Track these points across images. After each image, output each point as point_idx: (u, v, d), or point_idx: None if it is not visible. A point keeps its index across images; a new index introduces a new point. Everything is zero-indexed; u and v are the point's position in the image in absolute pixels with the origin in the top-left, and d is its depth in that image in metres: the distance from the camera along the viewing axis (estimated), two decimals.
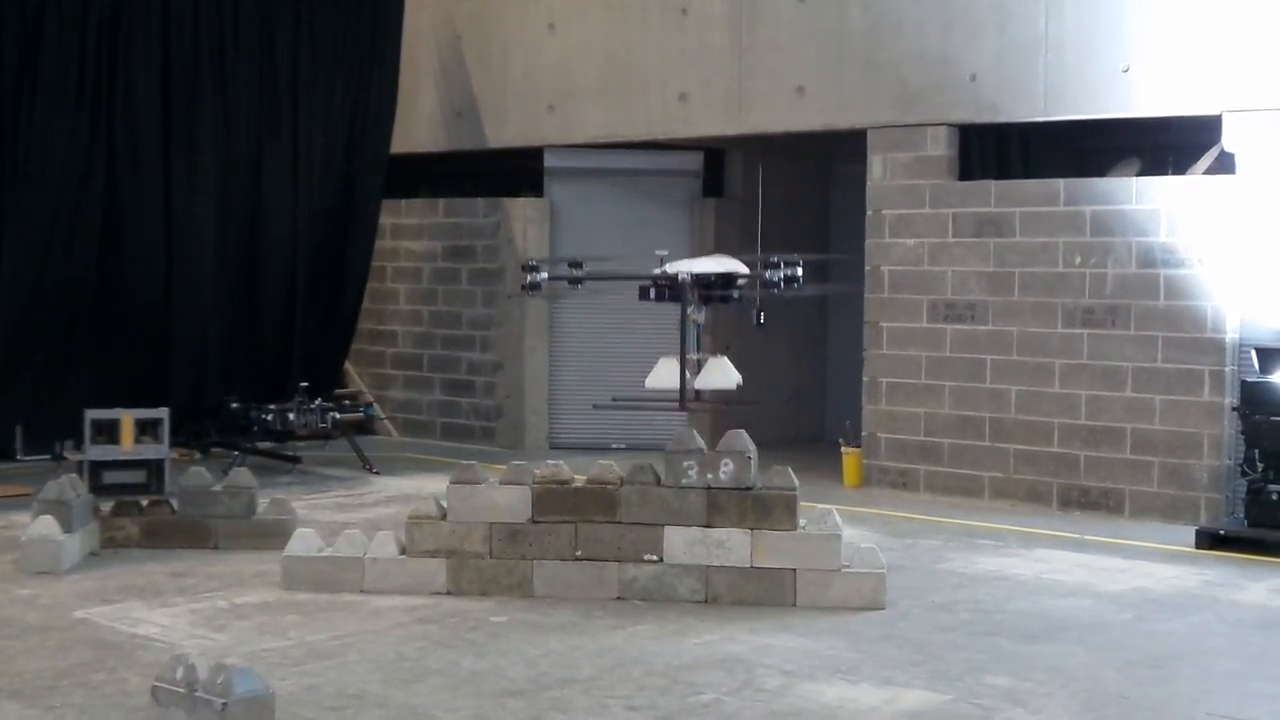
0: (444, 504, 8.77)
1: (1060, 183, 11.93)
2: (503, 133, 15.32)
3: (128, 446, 10.89)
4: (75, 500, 9.59)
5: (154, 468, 10.93)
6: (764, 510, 8.50)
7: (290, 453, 13.72)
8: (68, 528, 9.39)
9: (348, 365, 16.23)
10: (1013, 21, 12.06)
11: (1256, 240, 11.02)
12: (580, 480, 8.77)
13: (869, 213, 12.87)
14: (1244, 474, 10.68)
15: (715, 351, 10.08)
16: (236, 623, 8.07)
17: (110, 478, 10.77)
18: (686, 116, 13.98)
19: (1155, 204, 11.43)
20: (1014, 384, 12.06)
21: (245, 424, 13.49)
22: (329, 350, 14.99)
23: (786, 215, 15.16)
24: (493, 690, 6.86)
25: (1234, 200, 11.11)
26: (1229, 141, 11.10)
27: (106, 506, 10.17)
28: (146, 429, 11.00)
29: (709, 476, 8.54)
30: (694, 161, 15.27)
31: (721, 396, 10.17)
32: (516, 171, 15.78)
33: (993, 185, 12.29)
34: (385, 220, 16.02)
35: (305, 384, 13.72)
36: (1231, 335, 11.11)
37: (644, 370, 14.98)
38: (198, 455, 13.55)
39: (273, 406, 13.46)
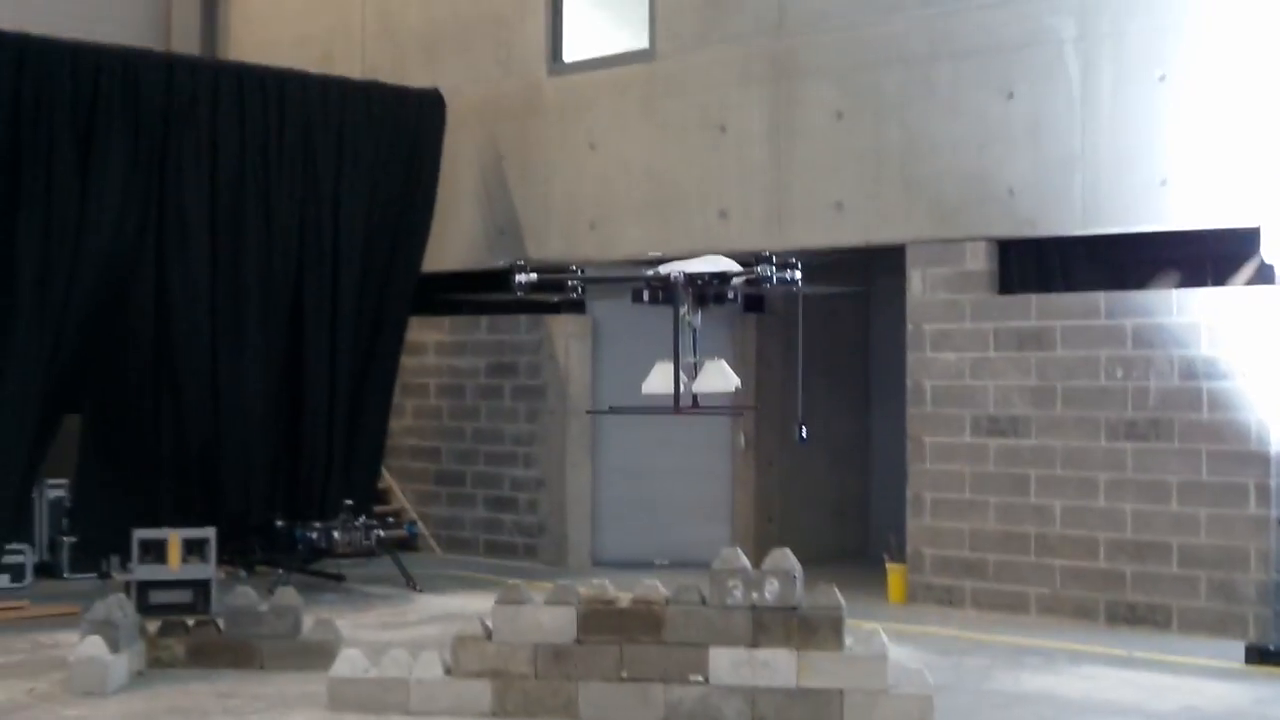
0: (489, 624, 8.79)
1: (1101, 296, 11.97)
2: (544, 250, 15.45)
3: (175, 566, 10.97)
4: (123, 620, 9.64)
5: (200, 587, 11.02)
6: (810, 630, 8.47)
7: (334, 570, 13.77)
8: (115, 648, 9.42)
9: (390, 482, 16.32)
10: (1048, 137, 12.16)
11: None
12: (625, 600, 8.77)
13: (909, 327, 12.92)
14: None
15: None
16: None
17: (157, 597, 10.87)
18: (726, 232, 14.10)
19: (1195, 317, 11.45)
20: (1058, 499, 12.03)
21: (290, 542, 13.55)
22: (360, 468, 15.04)
23: (826, 329, 15.23)
24: None
25: (1275, 311, 11.11)
26: (1268, 252, 11.12)
27: (153, 626, 10.22)
28: (193, 548, 11.09)
29: (754, 596, 8.53)
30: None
31: (719, 402, 9.79)
32: None
33: (1033, 299, 12.34)
34: (428, 337, 16.16)
35: (349, 502, 13.77)
36: (1276, 448, 11.05)
37: (688, 483, 15.04)
38: (242, 573, 13.62)
39: (318, 524, 13.50)
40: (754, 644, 8.52)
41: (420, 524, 15.56)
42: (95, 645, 9.35)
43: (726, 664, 8.54)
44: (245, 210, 13.75)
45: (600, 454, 15.28)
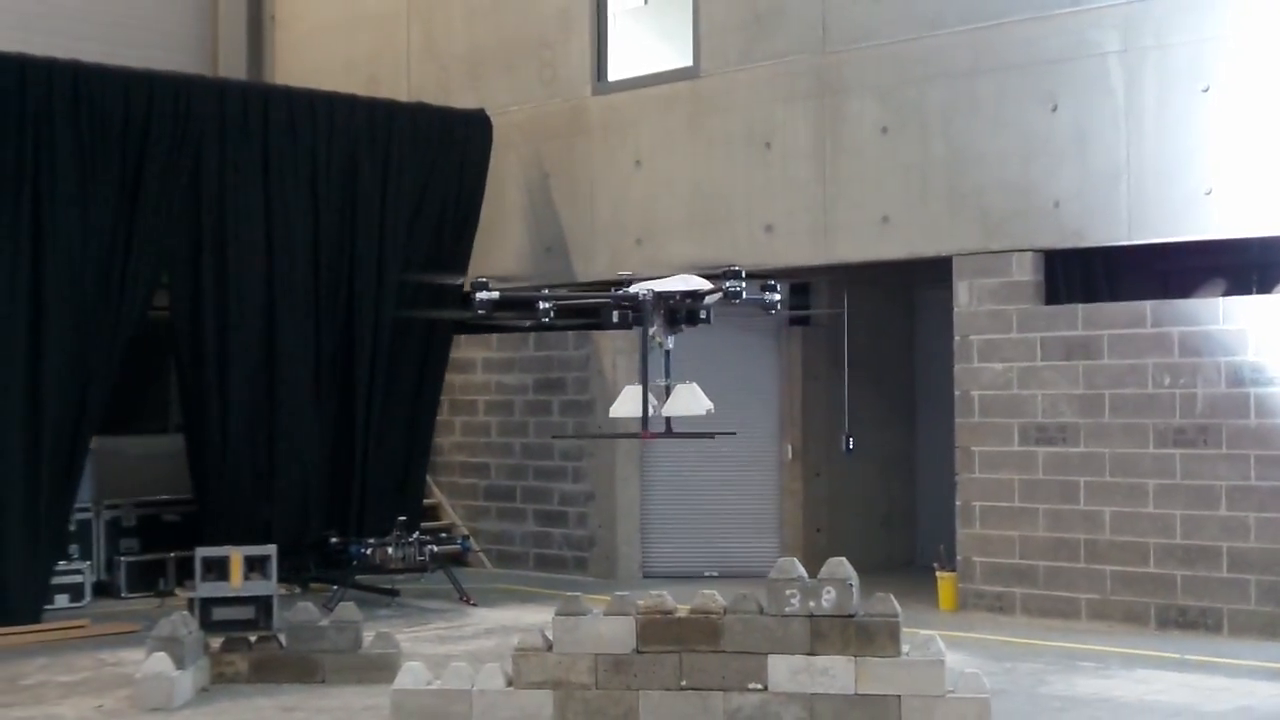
0: (549, 635, 8.92)
1: (1147, 305, 12.04)
2: (591, 266, 15.59)
3: (237, 583, 11.14)
4: (188, 637, 9.81)
5: (262, 604, 11.18)
6: (867, 637, 8.58)
7: (388, 585, 13.92)
8: (180, 664, 9.59)
9: (440, 497, 16.48)
10: (1094, 149, 12.25)
11: None
12: (683, 610, 8.89)
13: (956, 339, 13.01)
14: None
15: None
16: None
17: (220, 614, 11.03)
18: (772, 247, 14.22)
19: (1241, 324, 11.52)
20: (1108, 505, 12.10)
21: (345, 558, 13.71)
22: (412, 485, 15.21)
23: (872, 342, 15.35)
24: None
25: None
26: None
27: (216, 642, 10.37)
28: (255, 566, 11.25)
29: (811, 604, 8.63)
30: (780, 291, 15.45)
31: (692, 426, 9.52)
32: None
33: (1080, 309, 12.42)
34: (476, 354, 16.32)
35: (403, 518, 13.92)
36: None
37: (736, 495, 15.10)
38: (298, 590, 13.79)
39: (372, 540, 13.66)
40: (812, 652, 8.62)
41: (473, 539, 15.71)
42: (161, 661, 9.51)
43: (785, 671, 8.65)
44: (295, 232, 13.96)
45: (648, 467, 15.39)
